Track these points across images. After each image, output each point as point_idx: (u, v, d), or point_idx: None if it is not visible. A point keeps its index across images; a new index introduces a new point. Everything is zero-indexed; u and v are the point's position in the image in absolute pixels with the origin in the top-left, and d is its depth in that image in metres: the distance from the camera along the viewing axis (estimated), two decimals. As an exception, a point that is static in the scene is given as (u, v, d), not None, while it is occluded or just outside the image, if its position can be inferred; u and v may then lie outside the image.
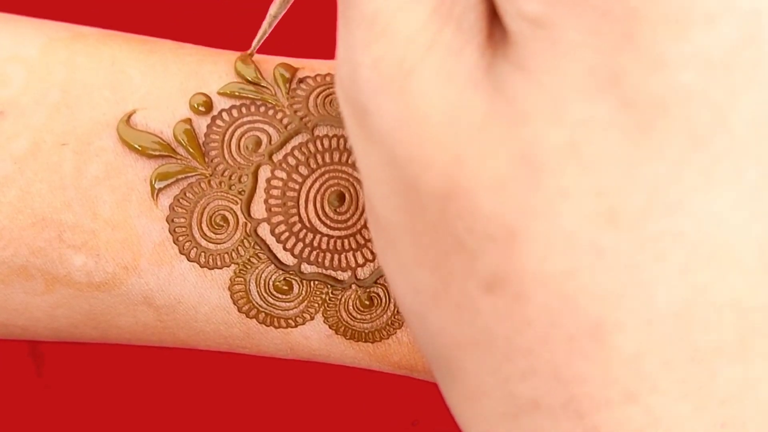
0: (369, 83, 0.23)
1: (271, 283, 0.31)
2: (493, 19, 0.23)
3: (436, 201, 0.23)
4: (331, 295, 0.31)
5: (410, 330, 0.26)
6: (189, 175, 0.31)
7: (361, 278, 0.31)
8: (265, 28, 0.32)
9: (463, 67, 0.22)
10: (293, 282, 0.31)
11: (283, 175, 0.31)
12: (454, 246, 0.23)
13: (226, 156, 0.31)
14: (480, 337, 0.23)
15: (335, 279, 0.31)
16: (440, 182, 0.23)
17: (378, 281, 0.31)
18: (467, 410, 0.25)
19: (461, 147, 0.22)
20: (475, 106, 0.22)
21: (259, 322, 0.31)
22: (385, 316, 0.31)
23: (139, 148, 0.31)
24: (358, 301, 0.31)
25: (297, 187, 0.31)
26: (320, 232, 0.31)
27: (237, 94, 0.32)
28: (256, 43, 0.32)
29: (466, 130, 0.22)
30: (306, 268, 0.31)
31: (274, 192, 0.31)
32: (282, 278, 0.31)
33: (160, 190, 0.31)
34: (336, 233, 0.31)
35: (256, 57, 0.33)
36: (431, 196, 0.23)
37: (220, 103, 0.32)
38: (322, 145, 0.31)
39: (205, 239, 0.31)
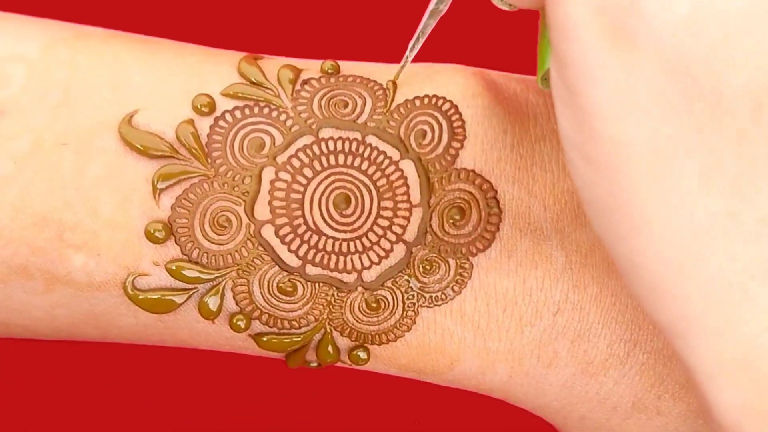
0: None
1: (274, 284, 0.31)
2: None
3: (749, 101, 0.22)
4: (336, 297, 0.31)
5: (656, 292, 0.24)
6: (191, 175, 0.31)
7: (368, 281, 0.31)
8: (423, 26, 0.31)
9: None
10: (297, 283, 0.31)
11: (288, 177, 0.31)
12: None
13: (229, 157, 0.31)
14: None
15: (340, 281, 0.31)
16: (758, 75, 0.22)
17: (385, 284, 0.31)
18: (742, 352, 0.24)
19: None
20: None
21: (262, 324, 0.31)
22: (392, 318, 0.32)
23: (141, 148, 0.31)
24: (364, 304, 0.31)
25: (302, 189, 0.31)
26: (325, 234, 0.31)
27: (240, 95, 0.32)
28: (413, 43, 0.31)
29: None
30: (311, 269, 0.31)
31: (278, 194, 0.31)
32: (286, 280, 0.31)
33: (162, 190, 0.31)
34: (341, 235, 0.31)
35: (260, 58, 0.33)
36: (743, 96, 0.22)
37: (223, 104, 0.32)
38: (327, 147, 0.31)
39: (207, 240, 0.31)
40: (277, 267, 0.31)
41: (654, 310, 0.25)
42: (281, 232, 0.31)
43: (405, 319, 0.32)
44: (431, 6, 0.30)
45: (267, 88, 0.32)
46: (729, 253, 0.23)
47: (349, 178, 0.31)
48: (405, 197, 0.31)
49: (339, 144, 0.31)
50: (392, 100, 0.32)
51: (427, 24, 0.31)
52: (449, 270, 0.31)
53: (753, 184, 0.23)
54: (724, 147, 0.23)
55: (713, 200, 0.23)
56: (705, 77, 0.23)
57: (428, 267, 0.31)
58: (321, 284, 0.31)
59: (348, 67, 0.33)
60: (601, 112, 0.24)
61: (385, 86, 0.32)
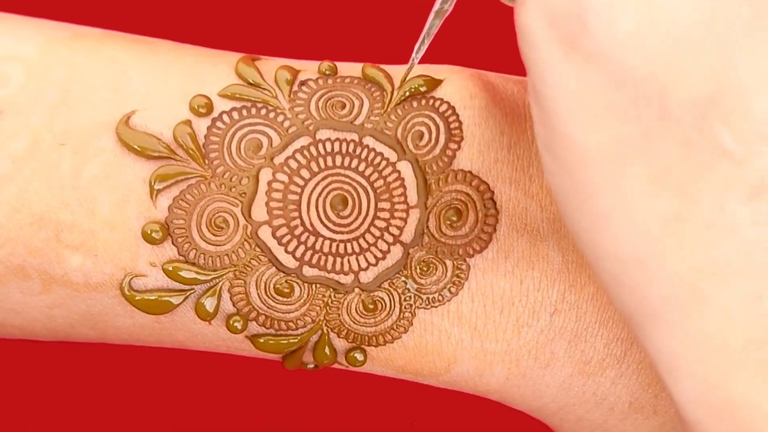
0: None
1: (271, 285, 0.31)
2: None
3: (692, 111, 0.23)
4: (333, 299, 0.31)
5: (613, 285, 0.26)
6: (188, 176, 0.31)
7: (365, 282, 0.31)
8: (428, 27, 0.31)
9: None
10: (294, 284, 0.31)
11: (285, 178, 0.31)
12: (713, 157, 0.23)
13: (227, 158, 0.31)
14: (733, 256, 0.24)
15: (337, 282, 0.31)
16: (702, 88, 0.23)
17: (382, 285, 0.31)
18: (697, 354, 0.24)
19: (728, 52, 0.23)
20: (739, 11, 0.23)
21: (259, 325, 0.31)
22: (389, 320, 0.32)
23: (139, 149, 0.31)
24: (361, 305, 0.31)
25: (299, 190, 0.31)
26: (322, 236, 0.31)
27: (238, 96, 0.32)
28: (419, 45, 0.31)
29: (733, 35, 0.23)
30: (307, 270, 0.31)
31: (276, 195, 0.31)
32: (283, 281, 0.31)
33: (159, 191, 0.31)
34: (338, 237, 0.31)
35: (258, 59, 0.33)
36: (686, 107, 0.23)
37: (221, 105, 0.32)
38: (324, 148, 0.31)
39: (204, 241, 0.31)
40: (274, 268, 0.31)
41: (616, 299, 0.26)
42: (278, 233, 0.31)
43: (402, 321, 0.31)
44: (436, 6, 0.31)
45: (264, 89, 0.32)
46: (679, 253, 0.24)
47: (346, 180, 0.31)
48: (402, 198, 0.31)
49: (336, 145, 0.31)
50: (390, 102, 0.32)
51: (432, 24, 0.31)
52: (446, 271, 0.31)
53: (699, 189, 0.24)
54: (671, 153, 0.24)
55: (662, 202, 0.24)
56: (650, 90, 0.24)
57: (425, 268, 0.31)
58: (318, 285, 0.31)
59: (345, 68, 0.33)
60: (559, 114, 0.25)
61: (384, 87, 0.32)
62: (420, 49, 0.31)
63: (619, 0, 0.23)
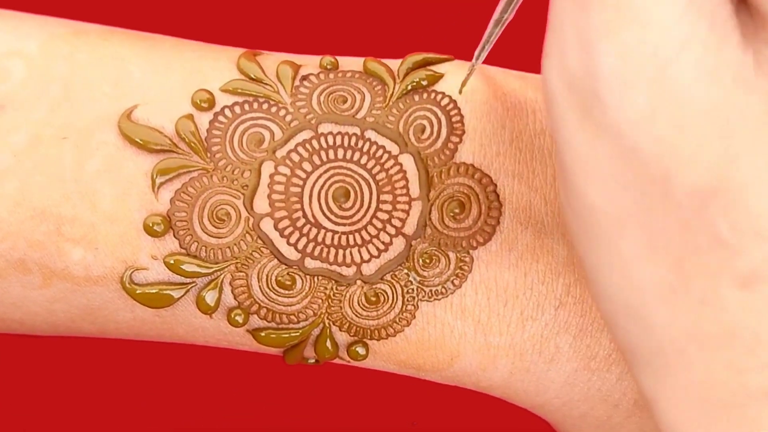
0: (613, 73, 0.23)
1: (273, 277, 0.31)
2: (739, 11, 0.23)
3: (693, 198, 0.23)
4: (335, 291, 0.31)
5: (609, 323, 0.26)
6: (191, 169, 0.31)
7: (367, 274, 0.31)
8: (488, 35, 0.31)
9: (727, 65, 0.23)
10: (296, 277, 0.31)
11: (287, 171, 0.31)
12: (709, 243, 0.24)
13: (229, 152, 0.31)
14: (721, 332, 0.24)
15: (339, 274, 0.31)
16: (704, 179, 0.23)
17: (384, 278, 0.31)
18: (680, 402, 0.25)
19: (734, 146, 0.23)
20: (750, 106, 0.23)
21: (261, 318, 0.31)
22: (392, 313, 0.31)
23: (141, 142, 0.31)
24: (363, 298, 0.31)
25: (301, 182, 0.31)
26: (324, 228, 0.31)
27: (239, 91, 0.32)
28: (479, 52, 0.32)
29: (741, 130, 0.23)
30: (309, 263, 0.31)
31: (278, 187, 0.31)
32: (285, 273, 0.31)
33: (161, 184, 0.31)
34: (341, 229, 0.31)
35: (259, 54, 0.33)
36: (688, 193, 0.23)
37: (223, 100, 0.32)
38: (326, 142, 0.31)
39: (206, 233, 0.31)
40: (275, 260, 0.31)
41: (611, 334, 0.27)
42: (280, 225, 0.31)
43: (404, 314, 0.31)
44: (496, 15, 0.31)
45: (266, 84, 0.32)
46: (669, 317, 0.25)
47: (349, 172, 0.31)
48: (404, 191, 0.31)
49: (338, 139, 0.31)
50: (392, 96, 0.32)
51: (492, 33, 0.31)
52: (449, 263, 0.31)
53: (694, 268, 0.24)
54: (671, 230, 0.24)
55: (658, 271, 0.24)
56: (656, 170, 0.24)
57: (428, 260, 0.31)
58: (320, 278, 0.31)
59: (347, 62, 0.33)
60: (572, 172, 0.25)
61: (385, 81, 0.32)
62: (480, 56, 0.32)
63: (632, 76, 0.23)
